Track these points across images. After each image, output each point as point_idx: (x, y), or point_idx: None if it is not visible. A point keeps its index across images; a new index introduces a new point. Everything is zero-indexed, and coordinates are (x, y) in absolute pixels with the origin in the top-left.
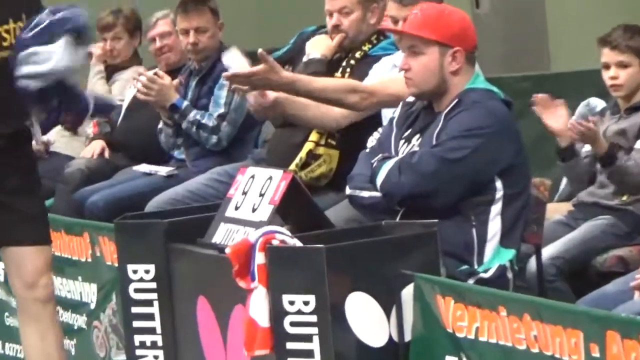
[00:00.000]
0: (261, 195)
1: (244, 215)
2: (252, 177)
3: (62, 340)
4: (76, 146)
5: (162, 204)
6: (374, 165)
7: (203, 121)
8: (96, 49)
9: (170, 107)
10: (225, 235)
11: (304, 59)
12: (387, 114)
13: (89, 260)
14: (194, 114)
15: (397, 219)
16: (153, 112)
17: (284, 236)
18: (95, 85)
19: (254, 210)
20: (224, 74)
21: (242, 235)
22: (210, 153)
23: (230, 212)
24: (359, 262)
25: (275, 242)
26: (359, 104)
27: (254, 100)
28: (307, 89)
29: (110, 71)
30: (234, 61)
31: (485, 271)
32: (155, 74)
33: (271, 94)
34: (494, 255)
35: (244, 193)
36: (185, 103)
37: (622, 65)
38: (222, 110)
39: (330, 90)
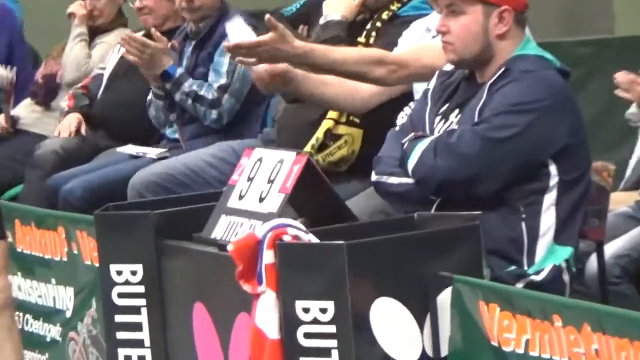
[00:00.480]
0: (270, 181)
1: (250, 205)
2: (260, 160)
3: (22, 354)
4: (49, 124)
5: (150, 178)
6: (404, 146)
7: (201, 93)
8: (79, 8)
9: (161, 75)
10: (227, 229)
11: (321, 21)
12: (419, 89)
13: (64, 259)
14: (189, 84)
15: (432, 211)
16: (141, 82)
17: (297, 231)
18: (73, 50)
19: (261, 199)
20: (225, 43)
21: (248, 229)
22: (209, 131)
23: (233, 201)
24: (387, 262)
25: (286, 238)
26: (387, 78)
27: (256, 71)
28: (324, 61)
29: (93, 34)
30: (238, 32)
31: (537, 273)
32: (147, 35)
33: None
34: (547, 254)
35: (250, 179)
36: (180, 71)
37: None
38: (223, 80)
39: (352, 62)
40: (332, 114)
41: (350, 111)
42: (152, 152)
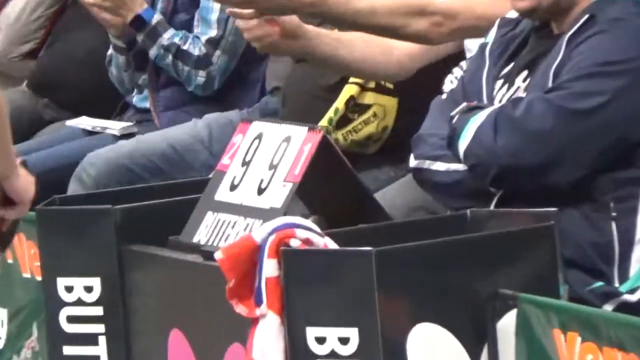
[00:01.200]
0: (273, 167)
1: (245, 198)
2: (259, 137)
3: None
4: None
5: (111, 161)
6: (454, 120)
7: (184, 47)
8: None
9: (132, 21)
10: (215, 231)
11: None
12: (472, 47)
13: None
14: (170, 36)
15: (491, 207)
16: (97, 33)
17: (309, 233)
18: None
19: (260, 191)
20: None
21: (242, 231)
22: (193, 100)
23: (222, 193)
24: (429, 276)
25: (294, 243)
26: (430, 33)
27: (246, 24)
28: (344, 11)
29: None
30: None
31: (632, 291)
32: None
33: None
34: None
35: (246, 164)
36: (158, 17)
37: None
38: (213, 32)
39: (383, 13)
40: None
41: (382, 78)
42: (113, 126)
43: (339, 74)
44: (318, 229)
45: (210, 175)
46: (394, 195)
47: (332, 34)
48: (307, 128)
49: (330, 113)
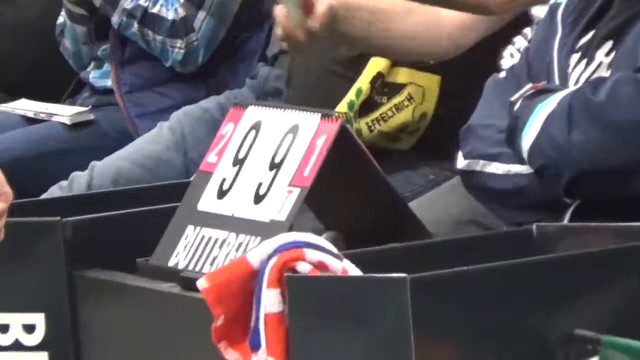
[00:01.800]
0: (275, 167)
1: (238, 208)
2: (256, 127)
3: None
4: None
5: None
6: (515, 107)
7: (153, 10)
8: None
9: None
10: (197, 251)
11: None
12: (540, 13)
13: None
14: None
15: (565, 221)
16: None
17: (323, 254)
18: None
19: (258, 198)
20: None
21: (234, 251)
22: (169, 77)
23: (207, 202)
24: (482, 311)
25: (303, 268)
26: (491, 2)
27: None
28: None
29: None
30: None
31: None
32: None
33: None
34: None
35: (239, 162)
36: None
37: None
38: None
39: None
40: None
41: (431, 58)
42: (63, 112)
43: (378, 54)
44: (335, 249)
45: (191, 178)
46: (435, 205)
47: (364, 5)
48: (319, 115)
49: (350, 95)
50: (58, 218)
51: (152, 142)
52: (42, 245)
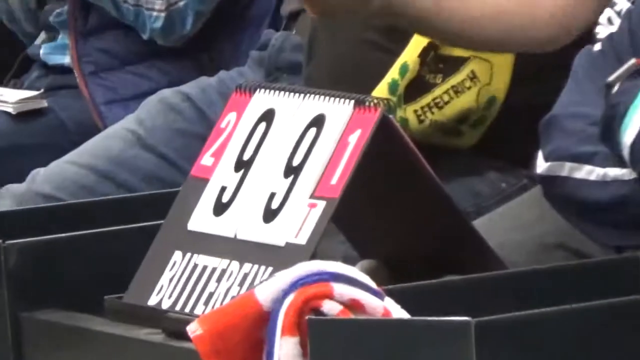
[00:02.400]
0: (292, 171)
1: (243, 227)
2: (266, 118)
3: None
4: None
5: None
6: (613, 91)
7: None
8: None
9: None
10: (187, 285)
11: None
12: None
13: None
14: None
15: None
16: None
17: (357, 290)
18: None
19: (270, 214)
20: None
21: (236, 286)
22: (147, 52)
23: (201, 218)
24: None
25: (331, 308)
26: None
27: None
28: None
29: None
30: None
31: None
32: None
33: None
34: None
35: (243, 165)
36: None
37: None
38: None
39: None
40: None
41: (530, 47)
42: (6, 97)
43: (446, 44)
44: (373, 283)
45: (179, 188)
46: (508, 223)
47: None
48: (352, 102)
49: (393, 73)
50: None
51: (112, 136)
52: None
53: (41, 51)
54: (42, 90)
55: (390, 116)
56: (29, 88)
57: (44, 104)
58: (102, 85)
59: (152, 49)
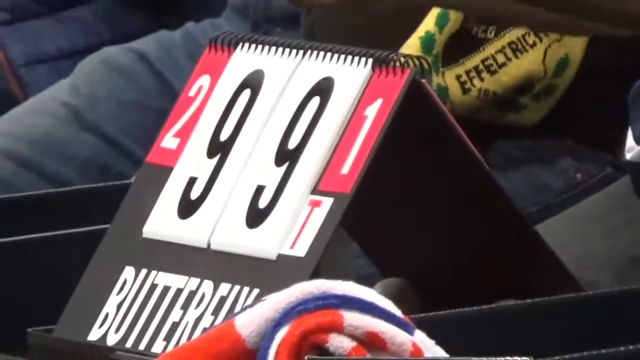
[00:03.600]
0: (287, 157)
1: (220, 234)
2: (251, 85)
3: None
4: None
5: None
6: None
7: None
8: None
9: None
10: (141, 313)
11: None
12: None
13: None
14: None
15: None
16: None
17: (376, 319)
18: None
19: (256, 215)
20: None
21: (209, 315)
22: None
23: (161, 221)
24: None
25: (338, 345)
26: None
27: None
28: None
29: None
30: None
31: None
32: None
33: None
34: None
35: (220, 149)
36: None
37: None
38: None
39: None
40: None
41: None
42: None
43: (534, 27)
44: (398, 311)
45: (131, 180)
46: (587, 228)
47: None
48: (371, 60)
49: (427, 25)
50: None
51: (36, 111)
52: None
53: None
54: None
55: (424, 81)
56: None
57: None
58: (21, 39)
59: None
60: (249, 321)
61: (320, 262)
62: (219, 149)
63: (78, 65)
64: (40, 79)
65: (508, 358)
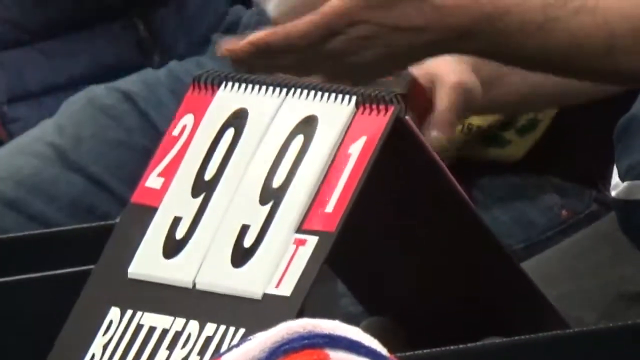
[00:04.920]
0: (271, 196)
1: (205, 274)
2: (235, 124)
3: None
4: None
5: None
6: None
7: None
8: None
9: None
10: (126, 356)
11: None
12: None
13: None
14: None
15: None
16: None
17: (357, 358)
18: None
19: (241, 254)
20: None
21: (195, 356)
22: (66, 25)
23: (146, 261)
24: None
25: None
26: None
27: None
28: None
29: None
30: None
31: None
32: None
33: None
34: None
35: (205, 188)
36: None
37: None
38: None
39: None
40: None
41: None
42: None
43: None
44: (384, 350)
45: (116, 220)
46: (573, 264)
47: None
48: (354, 98)
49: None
50: None
51: (21, 151)
52: None
53: None
54: None
55: (407, 117)
56: None
57: None
58: (4, 73)
59: (71, 17)
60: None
61: (305, 302)
62: (203, 188)
63: (63, 104)
64: (22, 116)
65: None
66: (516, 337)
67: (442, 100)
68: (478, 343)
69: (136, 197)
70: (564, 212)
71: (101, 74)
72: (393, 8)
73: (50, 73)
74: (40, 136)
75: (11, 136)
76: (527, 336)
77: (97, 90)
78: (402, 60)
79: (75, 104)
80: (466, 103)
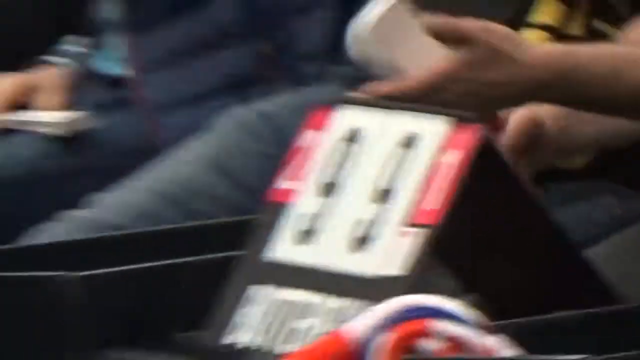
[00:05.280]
0: (381, 197)
1: (329, 258)
2: (351, 138)
3: None
4: None
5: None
6: None
7: None
8: None
9: None
10: (264, 322)
11: None
12: None
13: None
14: None
15: None
16: None
17: (460, 327)
18: None
19: (357, 243)
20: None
21: (321, 324)
22: (203, 45)
23: (279, 248)
24: None
25: (428, 346)
26: None
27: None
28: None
29: None
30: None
31: None
32: None
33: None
34: None
35: (326, 190)
36: None
37: None
38: None
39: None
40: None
41: None
42: (46, 117)
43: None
44: (477, 319)
45: (255, 215)
46: (628, 255)
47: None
48: (449, 119)
49: None
50: (58, 273)
51: (183, 161)
52: (46, 313)
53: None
54: (86, 115)
55: (491, 137)
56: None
57: (93, 123)
58: (160, 87)
59: (207, 37)
60: (355, 328)
61: (413, 281)
62: (326, 190)
63: (214, 124)
64: (176, 123)
65: (570, 357)
66: (585, 310)
67: (512, 124)
68: (553, 315)
69: (271, 196)
70: (619, 211)
71: (234, 85)
72: (490, 67)
73: (196, 84)
74: (196, 149)
75: (165, 141)
76: (593, 310)
77: (239, 112)
78: (492, 107)
79: (223, 123)
80: (537, 131)
